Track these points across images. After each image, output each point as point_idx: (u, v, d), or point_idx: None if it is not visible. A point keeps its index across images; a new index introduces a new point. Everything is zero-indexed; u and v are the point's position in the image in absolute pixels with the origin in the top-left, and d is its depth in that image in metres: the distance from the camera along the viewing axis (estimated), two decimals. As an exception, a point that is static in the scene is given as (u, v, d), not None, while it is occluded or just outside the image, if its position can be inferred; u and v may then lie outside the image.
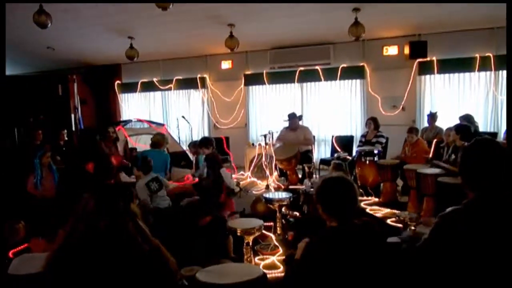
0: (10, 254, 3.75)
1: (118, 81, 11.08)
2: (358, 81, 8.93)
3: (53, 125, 9.04)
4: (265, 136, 7.44)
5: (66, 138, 8.82)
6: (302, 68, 9.15)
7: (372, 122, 7.18)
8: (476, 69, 7.84)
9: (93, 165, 5.58)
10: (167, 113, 10.88)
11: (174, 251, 1.97)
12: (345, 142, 8.27)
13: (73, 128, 10.10)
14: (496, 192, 1.85)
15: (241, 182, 7.58)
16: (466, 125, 5.64)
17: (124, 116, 10.96)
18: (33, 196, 5.49)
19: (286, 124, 7.68)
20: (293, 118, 7.61)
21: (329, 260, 2.03)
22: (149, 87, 10.75)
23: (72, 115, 10.22)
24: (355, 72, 8.85)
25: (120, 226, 1.76)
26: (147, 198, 4.91)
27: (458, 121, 6.30)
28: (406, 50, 8.23)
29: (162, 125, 9.19)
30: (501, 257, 1.76)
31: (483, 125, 7.81)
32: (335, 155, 7.05)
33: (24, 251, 3.76)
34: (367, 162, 6.62)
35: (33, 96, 9.72)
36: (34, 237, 4.04)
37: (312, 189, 5.11)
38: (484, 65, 7.76)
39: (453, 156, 5.34)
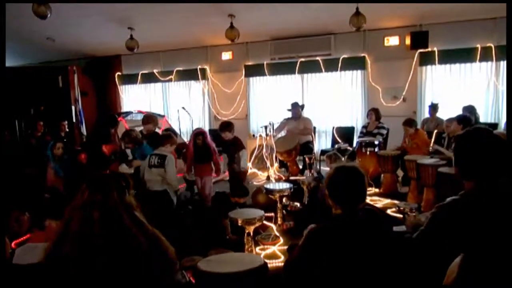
0: (13, 244, 3.78)
1: (118, 73, 11.03)
2: (359, 72, 8.90)
3: (53, 117, 9.03)
4: (265, 127, 7.43)
5: (67, 130, 8.83)
6: (303, 59, 9.11)
7: (374, 113, 7.18)
8: (477, 59, 7.80)
9: (86, 155, 5.60)
10: (168, 105, 10.86)
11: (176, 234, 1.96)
12: (346, 133, 8.26)
13: (74, 120, 10.10)
14: (492, 181, 1.86)
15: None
16: (467, 115, 5.65)
17: (125, 108, 10.92)
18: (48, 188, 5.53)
19: (288, 114, 7.68)
20: (296, 107, 7.61)
21: (331, 247, 2.05)
22: (149, 78, 10.70)
23: (73, 107, 10.20)
24: (356, 63, 8.81)
25: (114, 217, 1.75)
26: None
27: (459, 112, 6.29)
28: (407, 41, 8.19)
29: (163, 116, 9.17)
30: (500, 247, 1.78)
31: (484, 115, 7.78)
32: (336, 146, 7.05)
33: (26, 242, 3.79)
34: (368, 153, 6.63)
35: (34, 87, 9.67)
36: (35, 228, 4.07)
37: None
38: (485, 56, 7.72)
39: (452, 146, 5.35)
